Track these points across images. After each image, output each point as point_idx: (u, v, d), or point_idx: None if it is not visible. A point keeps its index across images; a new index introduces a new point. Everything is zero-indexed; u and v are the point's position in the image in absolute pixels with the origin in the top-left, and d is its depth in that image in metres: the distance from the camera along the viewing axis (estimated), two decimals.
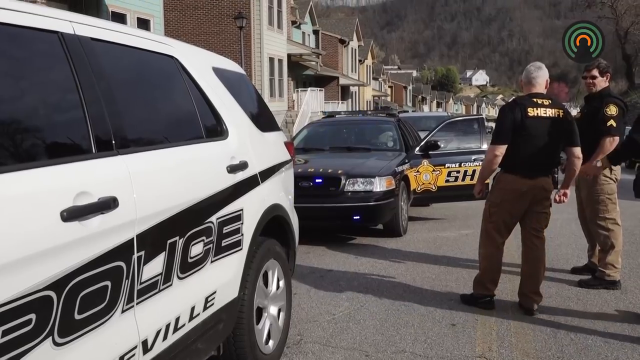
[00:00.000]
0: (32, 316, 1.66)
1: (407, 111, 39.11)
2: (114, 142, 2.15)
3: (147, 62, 2.68)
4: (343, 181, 6.74)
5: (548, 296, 4.63)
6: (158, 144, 2.49)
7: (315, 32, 40.18)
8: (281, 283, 3.53)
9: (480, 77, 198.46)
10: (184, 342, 2.46)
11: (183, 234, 2.46)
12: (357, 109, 42.75)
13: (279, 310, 3.50)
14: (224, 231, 2.81)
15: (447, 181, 8.03)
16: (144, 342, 2.17)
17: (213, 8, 24.43)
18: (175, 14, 24.13)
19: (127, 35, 2.52)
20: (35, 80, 1.95)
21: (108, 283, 1.98)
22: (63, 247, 1.77)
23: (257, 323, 3.18)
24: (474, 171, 7.85)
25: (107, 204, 1.96)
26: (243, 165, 3.09)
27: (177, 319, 2.41)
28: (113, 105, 2.21)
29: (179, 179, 2.51)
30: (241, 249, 2.98)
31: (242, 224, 2.99)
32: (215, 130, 3.03)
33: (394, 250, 6.51)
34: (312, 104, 28.20)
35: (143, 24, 16.05)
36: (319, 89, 31.47)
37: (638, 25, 39.43)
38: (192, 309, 2.53)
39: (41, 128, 1.91)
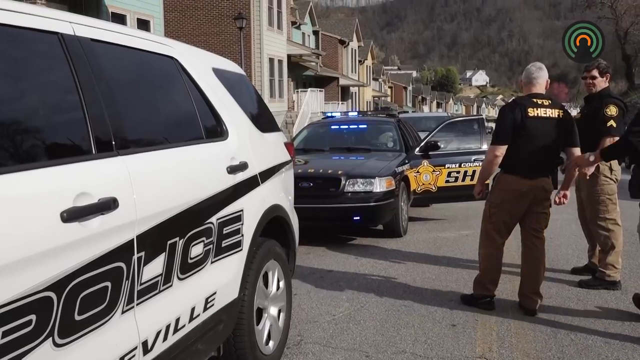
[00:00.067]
0: (32, 317, 1.66)
1: (407, 112, 39.15)
2: (114, 142, 2.15)
3: (147, 63, 2.68)
4: (343, 182, 6.74)
5: (548, 296, 4.63)
6: (158, 145, 2.50)
7: (315, 33, 40.21)
8: (281, 284, 3.53)
9: (480, 78, 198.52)
10: (184, 342, 2.46)
11: (183, 234, 2.46)
12: (358, 109, 42.75)
13: (279, 311, 3.50)
14: (224, 232, 2.81)
15: (447, 182, 8.03)
16: (144, 343, 2.17)
17: (213, 9, 24.44)
18: (175, 15, 24.14)
19: (127, 36, 2.52)
20: (35, 81, 1.95)
21: (108, 284, 1.98)
22: (63, 248, 1.77)
23: (258, 324, 3.18)
24: (474, 171, 7.85)
25: (107, 205, 1.96)
26: (243, 166, 3.09)
27: (177, 320, 2.41)
28: (113, 106, 2.21)
29: (179, 180, 2.51)
30: (241, 249, 2.98)
31: (242, 224, 2.99)
32: (215, 130, 3.03)
33: (394, 251, 6.51)
34: (312, 105, 28.21)
35: (143, 24, 16.06)
36: (318, 89, 31.49)
37: (638, 25, 39.39)
38: (192, 309, 2.53)
39: (41, 129, 1.91)
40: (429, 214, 9.11)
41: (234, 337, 3.00)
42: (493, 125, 7.09)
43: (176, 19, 24.21)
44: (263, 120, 3.73)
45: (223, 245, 2.81)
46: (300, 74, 33.44)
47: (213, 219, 2.71)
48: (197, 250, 2.57)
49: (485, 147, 7.84)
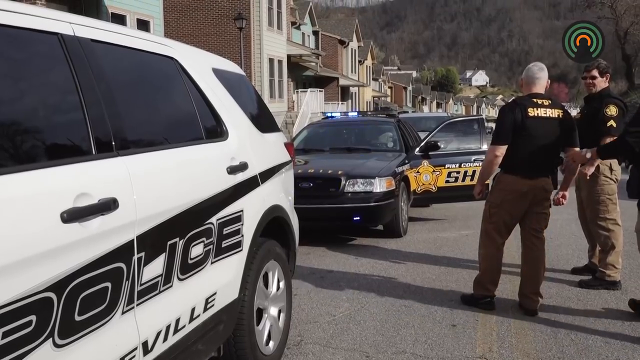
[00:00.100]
0: (33, 318, 1.66)
1: (407, 112, 39.14)
2: (114, 143, 2.15)
3: (147, 63, 2.68)
4: (343, 182, 6.74)
5: (548, 297, 4.63)
6: (158, 145, 2.50)
7: (315, 33, 40.21)
8: (281, 284, 3.53)
9: (480, 78, 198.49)
10: (184, 343, 2.46)
11: (183, 235, 2.46)
12: (357, 110, 42.75)
13: (279, 311, 3.50)
14: (224, 232, 2.81)
15: (447, 182, 8.03)
16: (144, 344, 2.17)
17: (213, 9, 24.44)
18: (175, 15, 24.14)
19: (126, 36, 2.52)
20: (35, 81, 1.95)
21: (108, 284, 1.98)
22: (63, 249, 1.77)
23: (258, 324, 3.18)
24: (474, 172, 7.85)
25: (107, 205, 1.96)
26: (243, 166, 3.09)
27: (178, 320, 2.41)
28: (113, 106, 2.21)
29: (179, 180, 2.51)
30: (241, 250, 2.98)
31: (242, 225, 2.99)
32: (215, 131, 3.03)
33: (394, 251, 6.51)
34: (312, 105, 28.20)
35: (143, 25, 16.06)
36: (318, 89, 31.48)
37: (638, 25, 39.41)
38: (193, 310, 2.53)
39: (41, 129, 1.91)
40: (429, 214, 9.11)
41: (234, 337, 3.00)
42: (493, 125, 7.10)
43: (176, 20, 24.21)
44: (263, 121, 3.73)
45: (223, 245, 2.81)
46: (300, 74, 33.44)
47: (213, 220, 2.71)
48: (197, 250, 2.57)
49: (485, 147, 7.84)
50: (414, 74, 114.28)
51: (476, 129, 8.37)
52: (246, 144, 3.26)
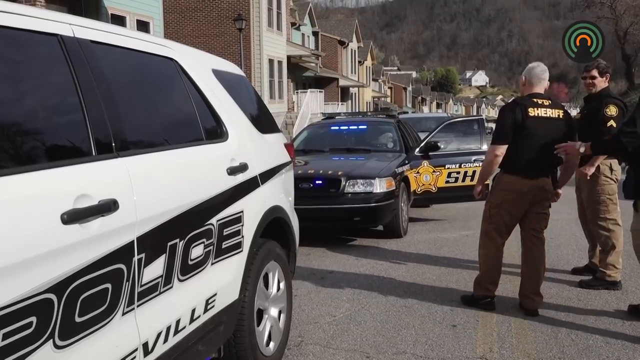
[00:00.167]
0: (33, 319, 1.66)
1: (407, 112, 39.16)
2: (114, 144, 2.15)
3: (146, 64, 2.68)
4: (343, 182, 6.74)
5: (549, 297, 4.63)
6: (158, 146, 2.50)
7: (315, 34, 40.23)
8: (282, 285, 3.53)
9: (480, 78, 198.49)
10: (184, 344, 2.46)
11: (183, 236, 2.46)
12: (358, 110, 42.78)
13: (280, 312, 3.50)
14: (225, 233, 2.81)
15: (447, 182, 8.03)
16: (145, 345, 2.17)
17: (212, 10, 24.45)
18: (174, 16, 24.14)
19: (126, 37, 2.52)
20: (35, 83, 1.95)
21: (109, 285, 1.98)
22: (64, 250, 1.77)
23: (258, 325, 3.18)
24: (474, 172, 7.85)
25: (108, 207, 1.96)
26: (243, 167, 3.09)
27: (178, 322, 2.41)
28: (113, 107, 2.21)
29: (179, 181, 2.51)
30: (242, 250, 2.98)
31: (242, 225, 2.99)
32: (215, 132, 3.03)
33: (394, 252, 6.51)
34: (312, 106, 28.20)
35: (143, 26, 16.06)
36: (318, 90, 31.48)
37: (637, 25, 39.43)
38: (193, 311, 2.53)
39: (41, 131, 1.91)
40: (429, 214, 9.11)
41: (234, 338, 3.00)
42: (493, 125, 7.10)
43: (176, 20, 24.22)
44: (263, 121, 3.73)
45: (223, 246, 2.81)
46: (300, 75, 33.45)
47: (213, 221, 2.71)
48: (197, 251, 2.57)
49: (485, 147, 7.84)
50: (414, 74, 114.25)
51: (476, 129, 8.37)
52: (246, 145, 3.26)
